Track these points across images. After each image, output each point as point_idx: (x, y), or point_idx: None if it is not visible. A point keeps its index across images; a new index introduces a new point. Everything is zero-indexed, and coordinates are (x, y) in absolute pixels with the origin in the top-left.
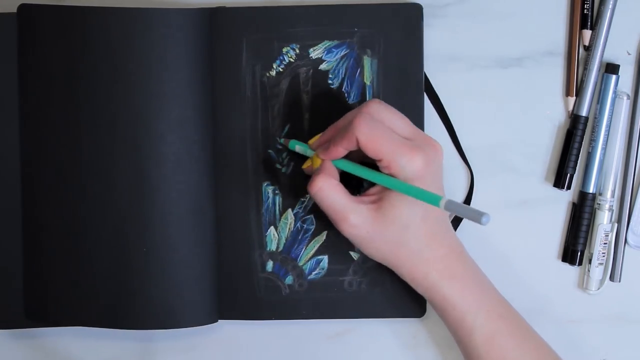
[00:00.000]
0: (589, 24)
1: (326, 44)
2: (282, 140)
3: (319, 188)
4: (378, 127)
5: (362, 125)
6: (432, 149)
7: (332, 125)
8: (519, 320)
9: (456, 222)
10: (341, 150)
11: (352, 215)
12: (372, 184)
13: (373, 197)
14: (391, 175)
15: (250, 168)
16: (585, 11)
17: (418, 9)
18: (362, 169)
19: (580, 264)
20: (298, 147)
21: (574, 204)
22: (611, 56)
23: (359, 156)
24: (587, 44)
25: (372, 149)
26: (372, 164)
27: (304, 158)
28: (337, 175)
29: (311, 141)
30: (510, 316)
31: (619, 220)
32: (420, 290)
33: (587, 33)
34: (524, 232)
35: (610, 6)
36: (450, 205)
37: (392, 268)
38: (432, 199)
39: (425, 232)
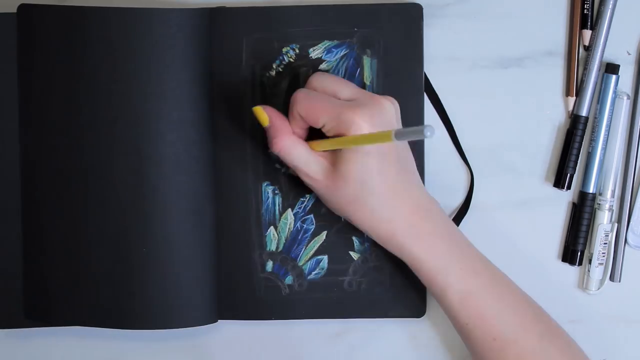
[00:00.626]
0: (589, 24)
1: (326, 44)
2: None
3: (281, 147)
4: (314, 96)
5: (299, 98)
6: (376, 104)
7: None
8: (497, 276)
9: (459, 218)
10: (298, 131)
11: (312, 169)
12: None
13: (331, 152)
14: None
15: (250, 168)
16: (585, 11)
17: (418, 9)
18: (319, 143)
19: (580, 264)
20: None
21: (574, 204)
22: (611, 56)
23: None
24: (587, 44)
25: (313, 118)
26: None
27: None
28: (290, 129)
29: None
30: (487, 272)
31: (619, 220)
32: (387, 249)
33: (587, 33)
34: (524, 232)
35: (610, 6)
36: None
37: (355, 224)
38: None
39: (385, 189)
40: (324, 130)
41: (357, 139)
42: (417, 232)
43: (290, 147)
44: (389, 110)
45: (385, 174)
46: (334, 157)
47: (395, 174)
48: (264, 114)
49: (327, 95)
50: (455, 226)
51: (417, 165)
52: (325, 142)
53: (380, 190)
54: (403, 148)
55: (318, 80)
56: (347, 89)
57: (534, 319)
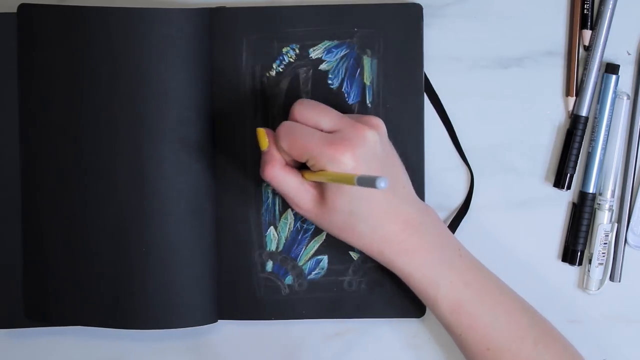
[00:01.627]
0: (589, 24)
1: (326, 44)
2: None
3: (271, 177)
4: (297, 130)
5: (281, 135)
6: (358, 136)
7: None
8: (489, 284)
9: (454, 224)
10: (289, 160)
11: (301, 201)
12: None
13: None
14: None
15: (250, 168)
16: (585, 11)
17: (418, 9)
18: (310, 173)
19: (580, 264)
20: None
21: (574, 204)
22: (611, 56)
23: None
24: (587, 44)
25: (297, 154)
26: None
27: None
28: (281, 159)
29: (264, 145)
30: (478, 282)
31: (619, 220)
32: (381, 263)
33: (587, 33)
34: (524, 232)
35: (610, 6)
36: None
37: (359, 245)
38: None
39: (373, 213)
40: (308, 164)
41: (328, 176)
42: (406, 248)
43: (280, 176)
44: (370, 140)
45: (372, 200)
46: (322, 188)
47: (382, 197)
48: (265, 139)
49: (309, 129)
50: (449, 235)
51: (416, 166)
52: (314, 174)
53: (369, 215)
54: (392, 165)
55: (299, 111)
56: (328, 119)
57: (528, 325)
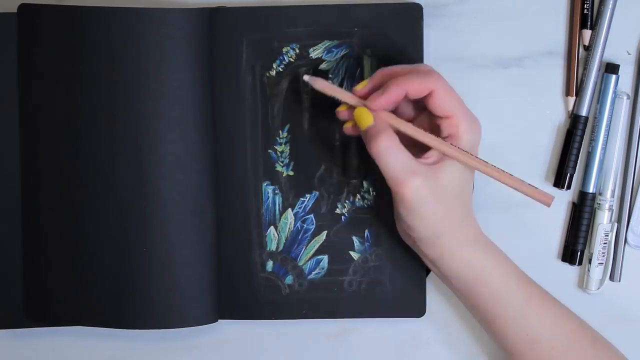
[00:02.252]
0: (589, 24)
1: (326, 44)
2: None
3: (384, 146)
4: (451, 90)
5: (441, 78)
6: (478, 127)
7: (382, 71)
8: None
9: None
10: (401, 93)
11: (417, 176)
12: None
13: (433, 158)
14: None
15: (250, 168)
16: (585, 11)
17: (418, 9)
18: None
19: (580, 263)
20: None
21: (574, 203)
22: (611, 56)
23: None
24: (587, 44)
25: (447, 102)
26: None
27: (304, 158)
28: (393, 133)
29: (357, 87)
30: (534, 281)
31: (619, 220)
32: (455, 263)
33: (587, 33)
34: (524, 232)
35: (610, 6)
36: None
37: (435, 236)
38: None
39: (469, 200)
40: (444, 121)
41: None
42: (486, 241)
43: (394, 147)
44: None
45: (469, 188)
46: (439, 161)
47: (472, 188)
48: (369, 116)
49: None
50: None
51: None
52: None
53: (468, 200)
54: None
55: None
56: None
57: (584, 327)
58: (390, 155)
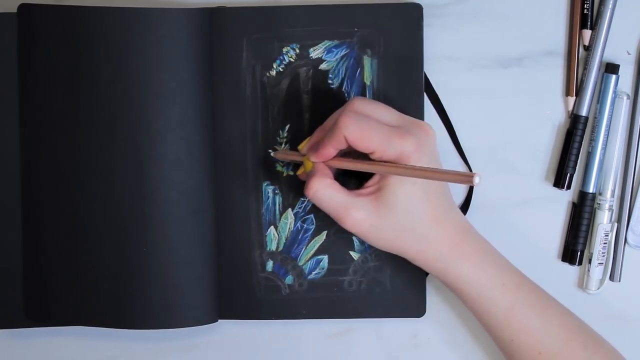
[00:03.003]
0: (589, 24)
1: (326, 44)
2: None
3: (315, 190)
4: (363, 121)
5: (347, 123)
6: (422, 132)
7: (320, 128)
8: (537, 289)
9: None
10: (331, 150)
11: (353, 210)
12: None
13: (371, 188)
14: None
15: (250, 168)
16: (585, 11)
17: (418, 9)
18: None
19: (580, 263)
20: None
21: (574, 203)
22: (611, 56)
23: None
24: (587, 43)
25: (362, 144)
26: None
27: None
28: (330, 175)
29: (300, 146)
30: (527, 285)
31: (619, 220)
32: (433, 273)
33: (587, 33)
34: (523, 232)
35: (610, 6)
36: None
37: (401, 255)
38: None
39: (429, 214)
40: (371, 155)
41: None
42: (462, 250)
43: (330, 189)
44: (432, 138)
45: (429, 201)
46: (378, 190)
47: (436, 200)
48: (310, 162)
49: (375, 121)
50: (489, 243)
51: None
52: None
53: (426, 216)
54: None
55: (360, 104)
56: (389, 115)
57: (577, 328)
58: (324, 196)
